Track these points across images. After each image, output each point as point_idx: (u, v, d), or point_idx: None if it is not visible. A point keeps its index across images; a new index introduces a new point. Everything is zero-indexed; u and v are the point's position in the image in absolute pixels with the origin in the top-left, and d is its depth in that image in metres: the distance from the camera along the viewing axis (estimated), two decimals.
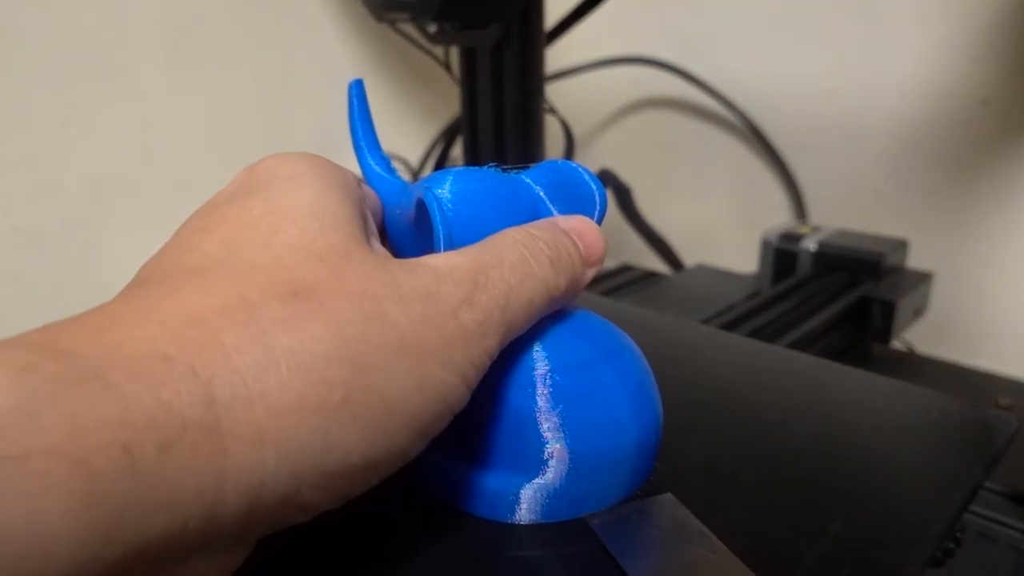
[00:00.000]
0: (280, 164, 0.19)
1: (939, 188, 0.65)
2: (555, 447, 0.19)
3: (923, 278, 0.58)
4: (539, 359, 0.20)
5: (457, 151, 0.71)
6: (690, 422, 0.25)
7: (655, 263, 0.75)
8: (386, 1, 0.52)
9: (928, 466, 0.23)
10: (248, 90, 0.69)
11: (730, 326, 0.49)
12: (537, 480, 0.20)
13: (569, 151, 0.65)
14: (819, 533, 0.20)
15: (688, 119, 0.81)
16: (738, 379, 0.29)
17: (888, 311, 0.54)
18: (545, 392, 0.20)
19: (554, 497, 0.20)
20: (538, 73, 0.55)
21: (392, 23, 0.58)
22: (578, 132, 0.75)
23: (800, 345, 0.48)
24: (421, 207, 0.21)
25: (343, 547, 0.20)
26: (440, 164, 0.74)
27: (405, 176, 0.23)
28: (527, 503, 0.20)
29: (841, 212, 0.71)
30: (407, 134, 0.81)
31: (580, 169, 0.22)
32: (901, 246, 0.59)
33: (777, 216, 0.75)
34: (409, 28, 0.63)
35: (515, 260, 0.19)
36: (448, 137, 0.73)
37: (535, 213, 0.22)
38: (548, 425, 0.19)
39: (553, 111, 0.62)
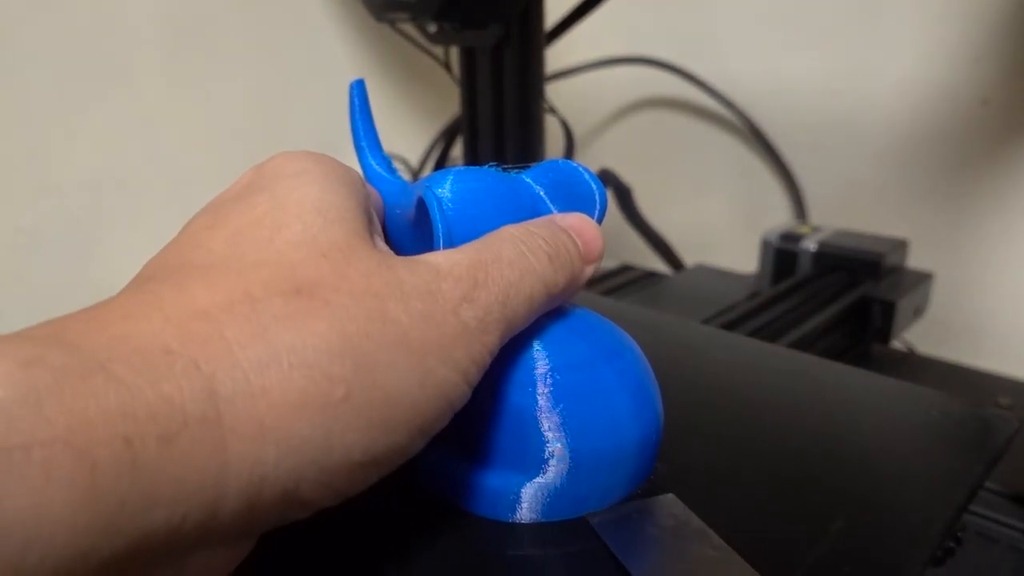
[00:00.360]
0: (286, 162, 0.19)
1: (939, 188, 0.65)
2: (556, 446, 0.19)
3: (923, 278, 0.58)
4: (540, 358, 0.20)
5: (457, 151, 0.71)
6: (691, 422, 0.25)
7: (655, 263, 0.75)
8: (386, 1, 0.52)
9: (928, 465, 0.23)
10: (248, 90, 0.69)
11: (730, 326, 0.49)
12: (538, 479, 0.20)
13: (569, 151, 0.65)
14: (820, 532, 0.20)
15: (688, 119, 0.81)
16: (739, 379, 0.29)
17: (888, 311, 0.54)
18: (546, 391, 0.20)
19: (555, 496, 0.20)
20: (538, 73, 0.55)
21: (392, 23, 0.58)
22: (578, 132, 0.75)
23: (800, 345, 0.48)
24: (421, 206, 0.21)
25: (344, 545, 0.20)
26: (440, 164, 0.74)
27: (405, 176, 0.23)
28: (528, 502, 0.20)
29: (841, 212, 0.71)
30: (407, 134, 0.81)
31: (580, 169, 0.22)
32: (901, 246, 0.59)
33: (777, 216, 0.75)
34: (409, 28, 0.63)
35: (513, 256, 0.19)
36: (448, 137, 0.73)
37: (535, 212, 0.22)
38: (549, 424, 0.19)
39: (553, 111, 0.62)
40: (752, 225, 0.75)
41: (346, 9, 0.73)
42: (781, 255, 0.60)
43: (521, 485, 0.20)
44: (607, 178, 0.71)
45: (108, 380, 0.13)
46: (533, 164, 0.22)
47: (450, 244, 0.20)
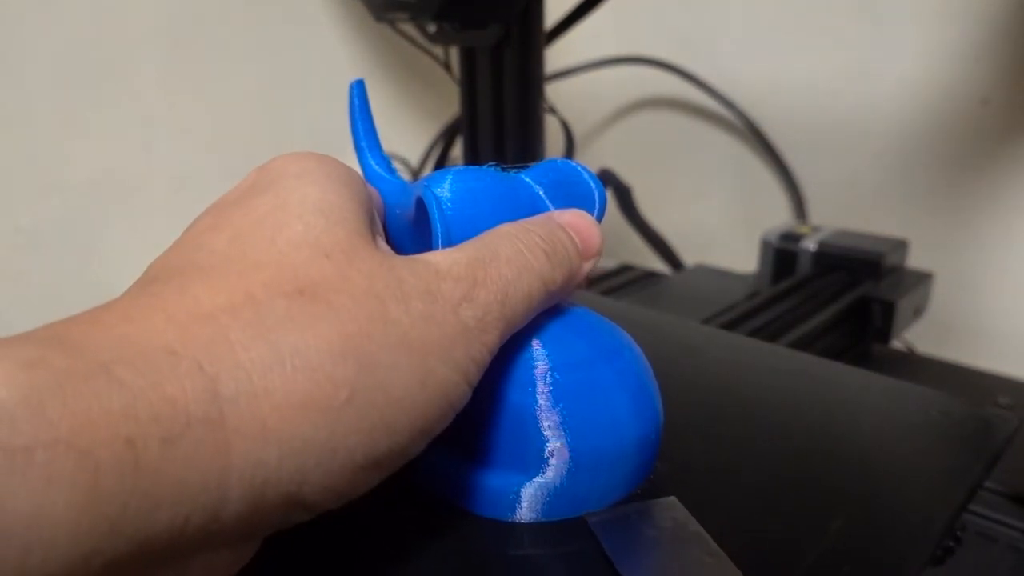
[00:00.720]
0: (288, 163, 0.19)
1: (939, 188, 0.65)
2: (555, 445, 0.19)
3: (923, 278, 0.58)
4: (539, 357, 0.20)
5: (457, 151, 0.71)
6: (691, 421, 0.25)
7: (655, 263, 0.75)
8: (386, 1, 0.52)
9: (928, 465, 0.23)
10: (248, 90, 0.69)
11: (730, 326, 0.49)
12: (537, 478, 0.20)
13: (569, 151, 0.65)
14: (820, 532, 0.20)
15: (688, 119, 0.81)
16: (738, 379, 0.29)
17: (888, 311, 0.54)
18: (545, 390, 0.20)
19: (554, 495, 0.20)
20: (538, 73, 0.55)
21: (392, 23, 0.58)
22: (578, 132, 0.75)
23: (800, 345, 0.48)
24: (420, 206, 0.21)
25: (344, 546, 0.20)
26: (440, 164, 0.74)
27: (405, 176, 0.23)
28: (528, 501, 0.20)
29: (841, 212, 0.71)
30: (407, 134, 0.81)
31: (580, 168, 0.22)
32: (901, 246, 0.59)
33: (777, 216, 0.75)
34: (409, 28, 0.63)
35: (511, 254, 0.19)
36: (448, 137, 0.73)
37: (534, 212, 0.22)
38: (548, 423, 0.19)
39: (553, 111, 0.62)
40: (752, 225, 0.75)
41: (346, 9, 0.73)
42: (781, 255, 0.60)
43: (521, 485, 0.20)
44: (607, 178, 0.71)
45: (111, 381, 0.13)
46: (532, 164, 0.22)
47: (449, 243, 0.20)
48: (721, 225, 0.82)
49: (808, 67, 0.70)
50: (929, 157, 0.65)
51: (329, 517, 0.17)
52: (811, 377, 0.29)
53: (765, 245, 0.61)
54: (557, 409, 0.19)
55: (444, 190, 0.20)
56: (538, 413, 0.19)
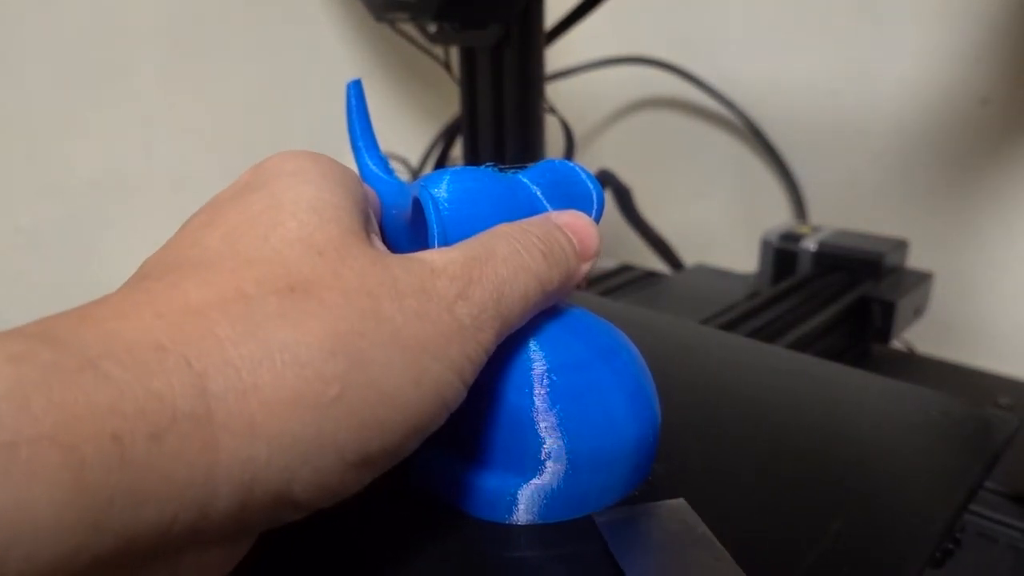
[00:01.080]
0: (283, 161, 0.19)
1: (939, 188, 0.65)
2: (552, 447, 0.19)
3: (923, 278, 0.58)
4: (536, 358, 0.20)
5: (457, 151, 0.71)
6: (689, 422, 0.25)
7: (655, 263, 0.75)
8: (386, 1, 0.52)
9: (928, 465, 0.23)
10: (248, 90, 0.69)
11: (730, 326, 0.49)
12: (534, 480, 0.20)
13: (569, 151, 0.64)
14: (819, 532, 0.20)
15: (688, 119, 0.81)
16: (738, 379, 0.29)
17: (888, 311, 0.53)
18: (542, 392, 0.19)
19: (552, 497, 0.20)
20: (538, 73, 0.55)
21: (392, 23, 0.58)
22: (578, 132, 0.75)
23: (800, 345, 0.48)
24: (417, 206, 0.20)
25: (340, 547, 0.20)
26: (440, 164, 0.74)
27: (404, 176, 0.23)
28: (524, 503, 0.20)
29: (841, 212, 0.71)
30: (407, 134, 0.81)
31: (577, 169, 0.22)
32: (901, 246, 0.58)
33: (777, 216, 0.75)
34: (409, 28, 0.63)
35: (507, 253, 0.19)
36: (448, 137, 0.73)
37: (532, 213, 0.21)
38: (545, 425, 0.19)
39: (553, 111, 0.62)
40: (752, 225, 0.75)
41: (346, 9, 0.73)
42: (781, 255, 0.60)
43: (518, 486, 0.20)
44: (606, 178, 0.71)
45: (97, 376, 0.13)
46: (530, 164, 0.22)
47: (445, 244, 0.20)
48: (721, 225, 0.82)
49: (808, 67, 0.70)
50: (929, 157, 0.65)
51: (325, 518, 0.17)
52: (811, 378, 0.29)
53: (765, 245, 0.61)
54: (554, 410, 0.19)
55: (441, 190, 0.20)
56: (535, 414, 0.19)
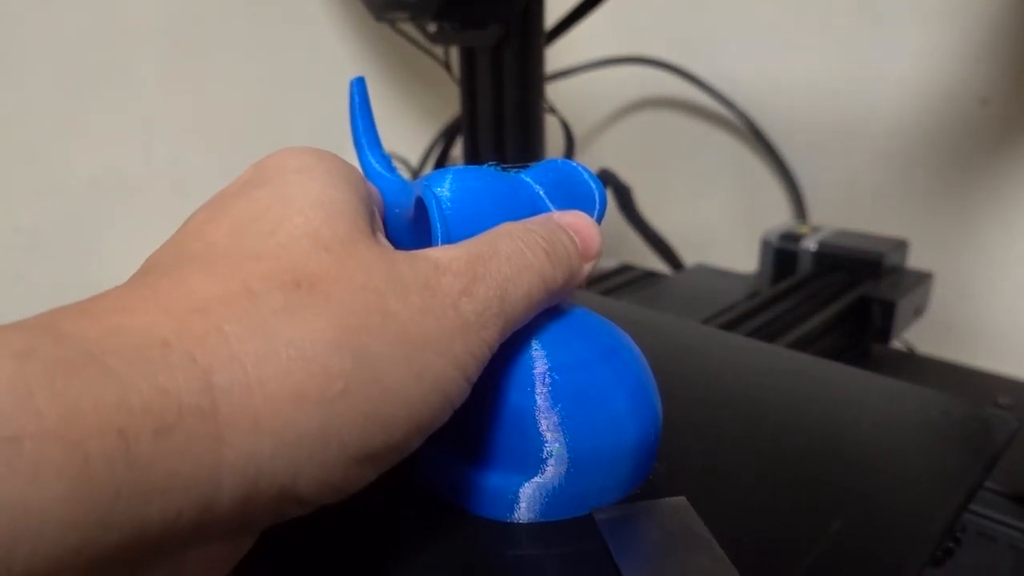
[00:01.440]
0: (288, 158, 0.19)
1: (939, 188, 0.65)
2: (554, 446, 0.19)
3: (923, 278, 0.58)
4: (538, 358, 0.20)
5: (457, 151, 0.71)
6: (690, 422, 0.25)
7: (655, 263, 0.75)
8: (386, 1, 0.52)
9: (928, 465, 0.23)
10: (248, 90, 0.69)
11: (730, 326, 0.49)
12: (536, 479, 0.20)
13: (569, 151, 0.65)
14: (819, 532, 0.20)
15: (688, 119, 0.81)
16: (738, 379, 0.29)
17: (888, 311, 0.54)
18: (544, 391, 0.20)
19: (553, 496, 0.20)
20: (538, 73, 0.55)
21: (392, 23, 0.58)
22: (578, 132, 0.75)
23: (800, 345, 0.48)
24: (420, 205, 0.21)
25: (342, 545, 0.20)
26: (440, 164, 0.74)
27: (405, 176, 0.23)
28: (526, 502, 0.20)
29: (841, 212, 0.71)
30: (407, 134, 0.81)
31: (580, 168, 0.22)
32: (901, 246, 0.59)
33: (777, 216, 0.75)
34: (409, 28, 0.63)
35: (511, 251, 0.19)
36: (448, 137, 0.73)
37: (534, 212, 0.21)
38: (547, 424, 0.19)
39: (553, 111, 0.62)
40: (752, 225, 0.75)
41: (346, 9, 0.73)
42: (781, 255, 0.60)
43: (520, 485, 0.20)
44: (607, 178, 0.71)
45: (102, 372, 0.13)
46: (532, 164, 0.22)
47: (448, 242, 0.20)
48: (721, 225, 0.82)
49: (808, 67, 0.70)
50: (929, 157, 0.65)
51: (327, 516, 0.17)
52: (811, 377, 0.29)
53: (765, 245, 0.61)
54: (556, 409, 0.19)
55: (444, 189, 0.20)
56: (537, 413, 0.19)
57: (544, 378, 0.20)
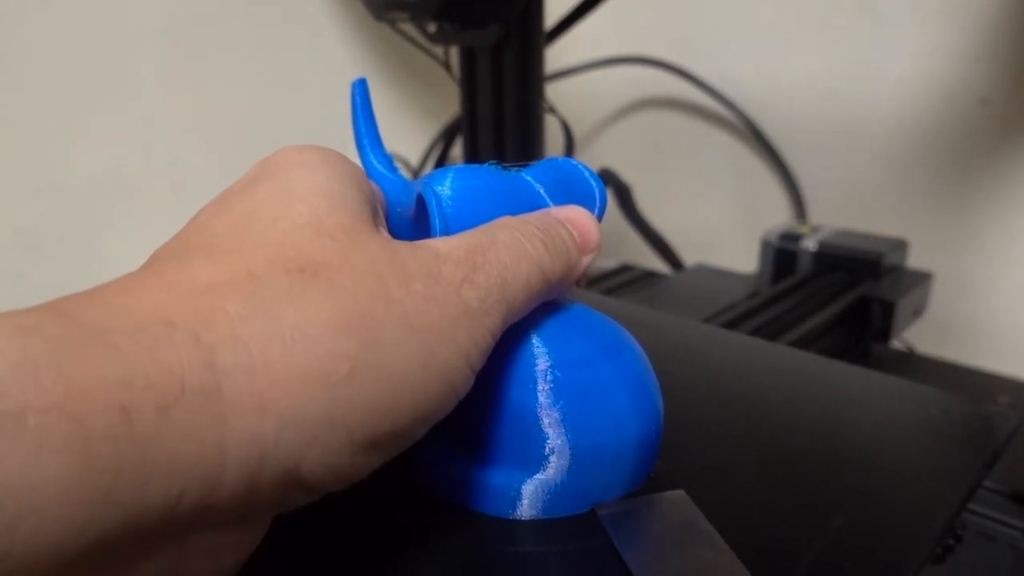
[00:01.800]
0: (292, 154, 0.20)
1: (939, 188, 0.65)
2: (556, 443, 0.19)
3: (923, 278, 0.58)
4: (540, 355, 0.20)
5: (457, 151, 0.71)
6: (691, 420, 0.25)
7: (655, 263, 0.75)
8: (386, 1, 0.52)
9: (928, 463, 0.23)
10: (248, 90, 0.69)
11: (730, 326, 0.49)
12: (538, 476, 0.20)
13: (569, 151, 0.65)
14: (820, 530, 0.20)
15: (688, 119, 0.82)
16: (739, 377, 0.29)
17: (888, 311, 0.54)
18: (546, 388, 0.20)
19: (555, 493, 0.20)
20: (538, 73, 0.55)
21: (392, 23, 0.58)
22: (578, 132, 0.75)
23: (800, 345, 0.48)
24: (421, 204, 0.21)
25: (345, 543, 0.20)
26: (440, 163, 0.74)
27: (406, 175, 0.23)
28: (528, 499, 0.20)
29: (841, 212, 0.71)
30: (407, 134, 0.81)
31: (580, 166, 0.22)
32: (901, 246, 0.59)
33: (777, 216, 0.75)
34: (409, 28, 0.63)
35: (508, 241, 0.19)
36: (448, 137, 0.73)
37: (535, 210, 0.22)
38: (549, 421, 0.19)
39: (553, 111, 0.62)
40: (752, 225, 0.75)
41: (346, 9, 0.73)
42: (781, 255, 0.60)
43: (522, 482, 0.20)
44: (607, 177, 0.71)
45: (106, 349, 0.13)
46: (533, 162, 0.22)
47: None
48: (721, 225, 0.82)
49: (808, 67, 0.70)
50: (929, 157, 0.65)
51: (330, 513, 0.17)
52: (811, 376, 0.29)
53: (765, 245, 0.61)
54: (558, 406, 0.19)
55: (445, 188, 0.20)
56: (539, 410, 0.19)
57: (546, 375, 0.20)
